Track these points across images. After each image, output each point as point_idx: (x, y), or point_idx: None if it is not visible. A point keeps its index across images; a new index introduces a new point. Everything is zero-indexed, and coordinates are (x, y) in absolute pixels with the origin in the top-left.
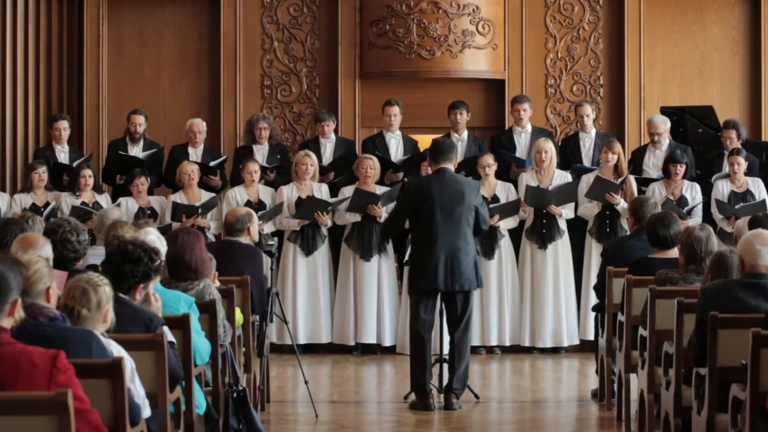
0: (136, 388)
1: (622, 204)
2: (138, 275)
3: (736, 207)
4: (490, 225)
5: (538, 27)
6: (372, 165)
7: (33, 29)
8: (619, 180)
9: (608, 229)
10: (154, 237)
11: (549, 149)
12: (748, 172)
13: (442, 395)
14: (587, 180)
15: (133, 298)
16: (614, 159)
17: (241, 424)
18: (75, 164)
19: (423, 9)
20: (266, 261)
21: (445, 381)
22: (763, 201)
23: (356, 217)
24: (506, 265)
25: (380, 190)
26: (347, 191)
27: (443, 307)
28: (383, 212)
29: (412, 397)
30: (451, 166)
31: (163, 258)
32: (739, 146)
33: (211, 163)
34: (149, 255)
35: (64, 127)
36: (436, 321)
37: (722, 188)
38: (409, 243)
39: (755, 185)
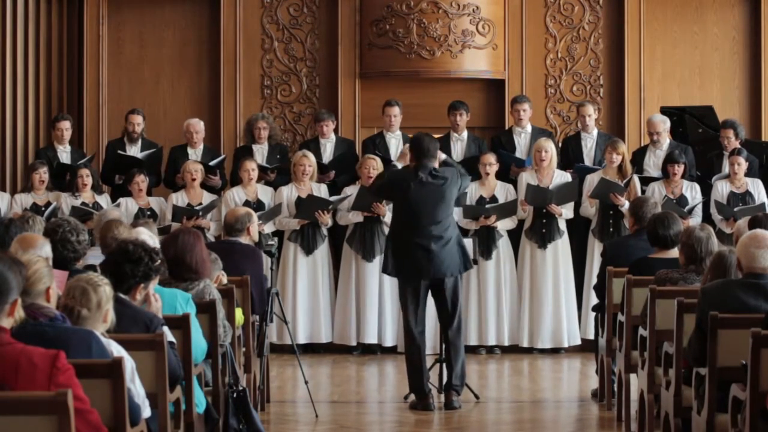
0: (136, 388)
1: (626, 206)
2: (138, 275)
3: (735, 210)
4: (485, 220)
5: (538, 27)
6: (375, 165)
7: (33, 29)
8: (624, 181)
9: (611, 229)
10: (146, 236)
11: (549, 149)
12: (748, 173)
13: (442, 395)
14: (591, 180)
15: (133, 298)
16: (618, 160)
17: (241, 424)
18: (78, 164)
19: (423, 9)
20: (266, 261)
21: (446, 382)
22: (763, 204)
23: (358, 217)
24: (504, 265)
25: None
26: (349, 191)
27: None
28: (387, 211)
29: (412, 397)
30: (432, 161)
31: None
32: (740, 146)
33: (211, 163)
34: (150, 255)
35: (66, 127)
36: (433, 321)
37: (722, 189)
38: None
39: (755, 186)
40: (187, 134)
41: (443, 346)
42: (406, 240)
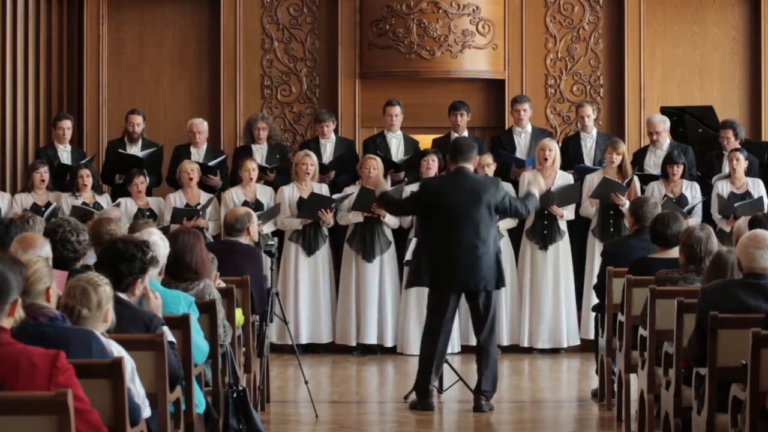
0: (136, 388)
1: (627, 205)
2: (135, 271)
3: (735, 205)
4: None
5: (538, 27)
6: (375, 165)
7: (33, 29)
8: (625, 181)
9: (611, 229)
10: (157, 238)
11: (553, 148)
12: (748, 172)
13: (442, 395)
14: (591, 180)
15: (133, 294)
16: (618, 160)
17: (241, 424)
18: (79, 164)
19: (423, 9)
20: (266, 261)
21: (446, 382)
22: (761, 198)
23: (359, 218)
24: (504, 265)
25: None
26: (350, 190)
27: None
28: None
29: (413, 396)
30: (470, 166)
31: (164, 257)
32: (739, 146)
33: (210, 163)
34: (141, 249)
35: (67, 126)
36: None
37: (722, 189)
38: (409, 243)
39: (755, 186)
40: (189, 134)
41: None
42: (440, 248)
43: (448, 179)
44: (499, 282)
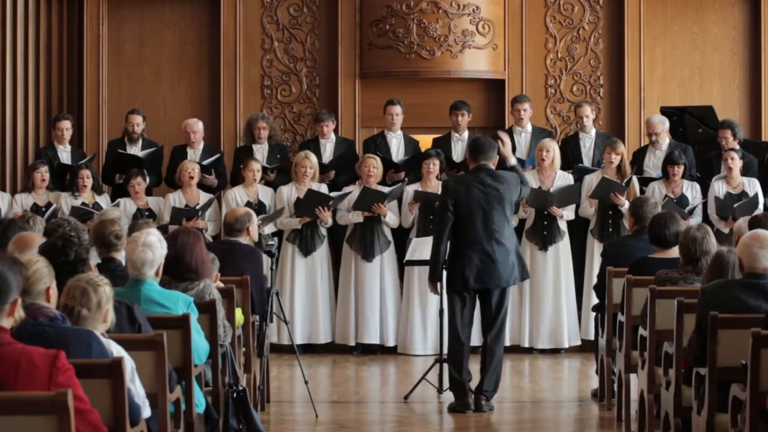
0: (136, 388)
1: (626, 206)
2: (84, 257)
3: (734, 206)
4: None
5: (538, 27)
6: (375, 165)
7: (33, 29)
8: (624, 181)
9: (611, 229)
10: (155, 238)
11: (552, 149)
12: (746, 172)
13: (442, 395)
14: (590, 180)
15: (90, 269)
16: (617, 160)
17: (241, 424)
18: (79, 164)
19: (423, 9)
20: (266, 261)
21: (446, 382)
22: (756, 195)
23: (358, 217)
24: None
25: (383, 190)
26: (349, 190)
27: (442, 306)
28: (388, 211)
29: (413, 397)
30: (491, 164)
31: (162, 257)
32: (736, 146)
33: (204, 162)
34: (68, 240)
35: (66, 127)
36: (436, 320)
37: (719, 189)
38: (409, 243)
39: (751, 186)
40: (184, 134)
41: (444, 346)
42: (461, 247)
43: (469, 178)
44: (523, 274)
